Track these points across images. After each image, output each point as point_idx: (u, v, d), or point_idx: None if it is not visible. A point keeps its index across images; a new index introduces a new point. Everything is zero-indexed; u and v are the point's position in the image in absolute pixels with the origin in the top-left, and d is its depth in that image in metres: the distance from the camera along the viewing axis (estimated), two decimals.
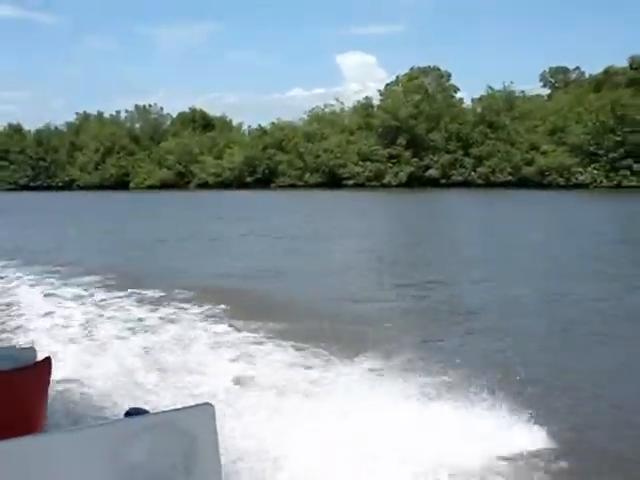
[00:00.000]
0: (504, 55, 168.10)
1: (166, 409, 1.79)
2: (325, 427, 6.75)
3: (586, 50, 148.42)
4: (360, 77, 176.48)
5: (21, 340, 10.50)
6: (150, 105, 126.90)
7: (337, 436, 6.55)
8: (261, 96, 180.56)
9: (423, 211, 51.54)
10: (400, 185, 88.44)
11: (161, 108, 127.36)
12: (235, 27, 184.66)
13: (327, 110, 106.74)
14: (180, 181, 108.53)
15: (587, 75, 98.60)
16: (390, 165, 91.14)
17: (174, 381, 8.93)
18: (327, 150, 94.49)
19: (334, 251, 25.74)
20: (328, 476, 6.03)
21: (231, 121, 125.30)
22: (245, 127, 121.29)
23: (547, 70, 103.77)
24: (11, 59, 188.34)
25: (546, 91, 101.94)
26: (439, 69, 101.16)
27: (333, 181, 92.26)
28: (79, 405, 7.50)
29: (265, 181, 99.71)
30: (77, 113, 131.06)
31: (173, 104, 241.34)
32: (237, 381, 8.86)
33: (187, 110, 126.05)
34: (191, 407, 1.80)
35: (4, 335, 11.30)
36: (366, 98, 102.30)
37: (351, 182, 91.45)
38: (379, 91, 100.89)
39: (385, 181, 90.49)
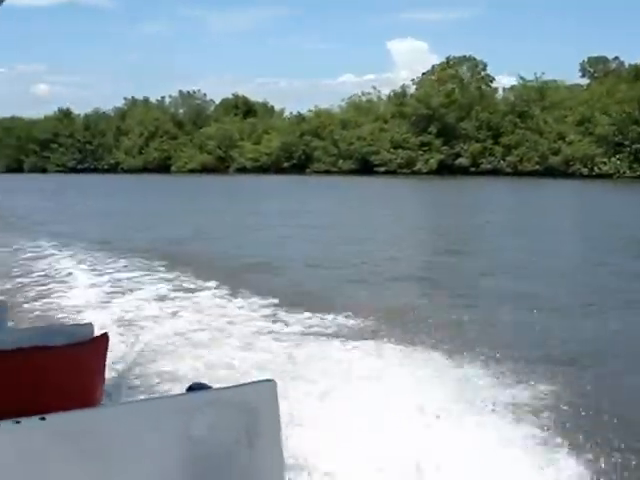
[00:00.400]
0: (553, 43, 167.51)
1: (228, 385, 1.85)
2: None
3: (631, 39, 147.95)
4: (411, 64, 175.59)
5: (76, 316, 11.31)
6: (194, 91, 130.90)
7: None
8: (312, 82, 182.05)
9: (457, 197, 53.49)
10: (430, 172, 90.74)
11: (204, 94, 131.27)
12: (286, 12, 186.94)
13: (364, 98, 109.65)
14: (220, 165, 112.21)
15: (627, 65, 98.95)
16: (421, 153, 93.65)
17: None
18: (360, 137, 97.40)
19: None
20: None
21: (273, 107, 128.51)
22: (287, 113, 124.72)
23: (586, 60, 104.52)
24: (64, 43, 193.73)
25: (585, 81, 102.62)
26: (474, 59, 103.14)
27: (365, 168, 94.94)
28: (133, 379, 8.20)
29: (301, 166, 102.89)
30: (125, 98, 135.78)
31: (224, 89, 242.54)
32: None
33: (230, 96, 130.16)
34: (253, 383, 1.85)
35: (59, 311, 12.16)
36: (402, 87, 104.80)
37: (383, 169, 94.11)
38: (412, 80, 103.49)
39: (415, 168, 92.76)
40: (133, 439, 1.62)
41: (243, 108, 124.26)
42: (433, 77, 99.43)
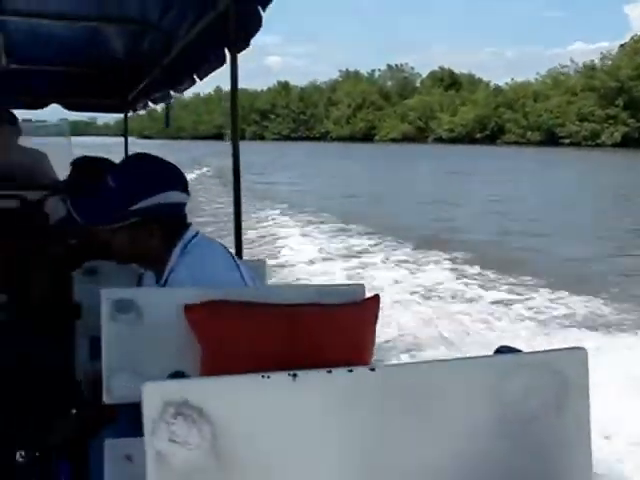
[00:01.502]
0: None
1: (538, 350, 1.82)
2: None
3: None
4: None
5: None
6: (401, 64, 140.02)
7: None
8: (541, 50, 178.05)
9: None
10: (614, 145, 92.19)
11: (412, 67, 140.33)
12: None
13: (562, 70, 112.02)
14: (419, 135, 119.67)
15: None
16: (606, 125, 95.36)
17: None
18: (547, 110, 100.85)
19: None
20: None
21: (480, 79, 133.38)
22: (492, 85, 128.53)
23: None
24: (300, 16, 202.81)
25: None
26: None
27: (552, 139, 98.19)
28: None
29: (492, 138, 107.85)
30: (340, 70, 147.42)
31: (449, 59, 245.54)
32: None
33: (437, 69, 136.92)
34: (563, 349, 1.82)
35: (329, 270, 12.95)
36: (601, 58, 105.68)
37: (567, 141, 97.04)
38: (601, 53, 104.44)
39: (600, 140, 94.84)
40: (450, 396, 1.67)
41: (448, 81, 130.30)
42: (626, 49, 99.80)
